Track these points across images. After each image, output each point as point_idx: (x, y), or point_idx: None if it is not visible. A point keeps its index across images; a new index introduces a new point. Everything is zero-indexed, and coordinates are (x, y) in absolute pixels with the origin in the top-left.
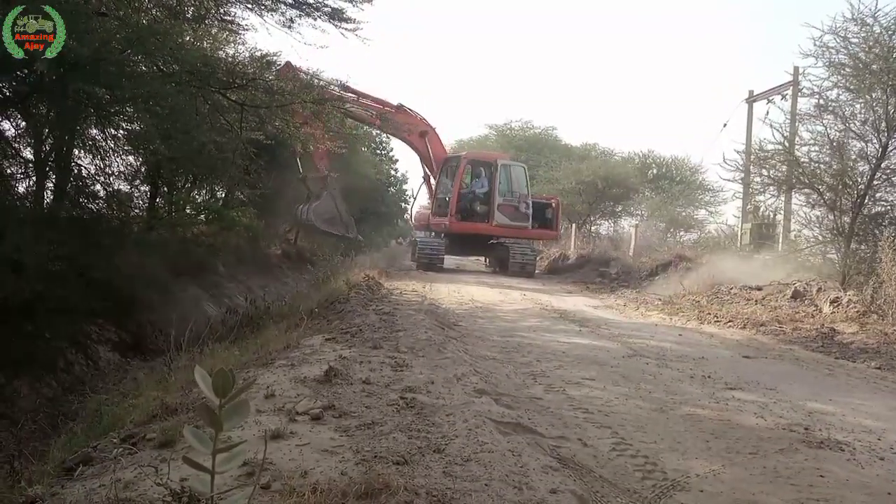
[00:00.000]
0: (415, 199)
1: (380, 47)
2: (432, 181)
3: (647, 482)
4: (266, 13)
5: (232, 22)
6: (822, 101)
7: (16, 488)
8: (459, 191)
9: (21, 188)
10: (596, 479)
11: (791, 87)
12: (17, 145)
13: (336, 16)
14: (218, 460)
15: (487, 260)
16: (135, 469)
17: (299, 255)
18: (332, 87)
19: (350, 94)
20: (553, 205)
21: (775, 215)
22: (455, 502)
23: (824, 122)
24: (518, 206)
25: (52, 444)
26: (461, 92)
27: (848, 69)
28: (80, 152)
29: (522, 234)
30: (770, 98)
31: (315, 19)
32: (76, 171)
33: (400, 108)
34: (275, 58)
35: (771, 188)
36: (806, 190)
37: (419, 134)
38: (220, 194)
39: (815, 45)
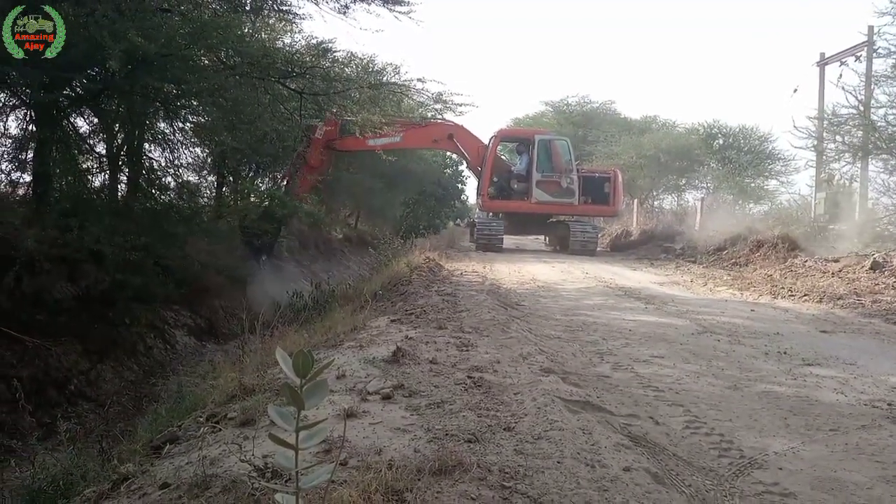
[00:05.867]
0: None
1: (434, 27)
2: (479, 170)
3: (724, 460)
4: (322, 0)
5: (288, 11)
6: None
7: (107, 466)
8: (493, 169)
9: (96, 182)
10: (670, 458)
11: (865, 48)
12: (90, 141)
13: None
14: (300, 437)
15: (547, 239)
16: (219, 446)
17: (360, 238)
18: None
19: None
20: (612, 178)
21: (851, 183)
22: (528, 479)
23: None
24: (560, 182)
25: (138, 424)
26: (518, 70)
27: None
28: (150, 146)
29: (568, 210)
30: (843, 60)
31: (369, 4)
32: (147, 163)
33: (423, 121)
34: (330, 44)
35: (846, 155)
36: (884, 156)
37: (447, 138)
38: (283, 182)
39: (891, 1)
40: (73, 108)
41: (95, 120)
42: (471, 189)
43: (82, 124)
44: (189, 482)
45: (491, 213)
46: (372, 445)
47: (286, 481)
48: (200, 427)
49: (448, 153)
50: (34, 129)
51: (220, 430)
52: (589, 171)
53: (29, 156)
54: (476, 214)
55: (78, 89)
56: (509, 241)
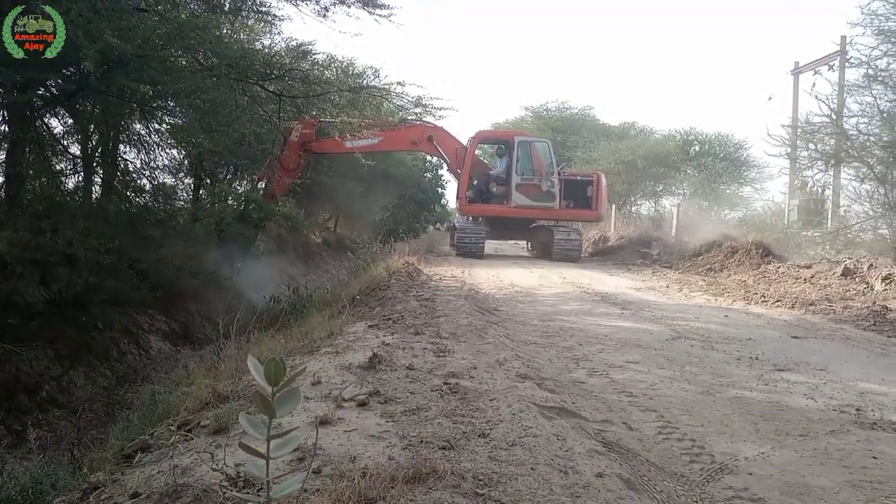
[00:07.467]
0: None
1: (413, 31)
2: (459, 173)
3: (695, 465)
4: (301, 2)
5: (267, 13)
6: (871, 71)
7: (78, 475)
8: (471, 171)
9: (70, 184)
10: (642, 463)
11: (838, 58)
12: (65, 142)
13: (370, 2)
14: (272, 446)
15: (529, 244)
16: (191, 455)
17: (339, 242)
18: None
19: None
20: (594, 182)
21: (824, 191)
22: (501, 486)
23: (874, 92)
24: (541, 185)
25: (110, 431)
26: (498, 75)
27: None
28: (125, 147)
29: (548, 214)
30: (816, 69)
31: (349, 6)
32: (122, 165)
33: (402, 122)
34: (310, 47)
35: (819, 163)
36: (855, 163)
37: (427, 140)
38: (261, 185)
39: (862, 12)
40: (48, 109)
41: (70, 121)
42: (451, 193)
43: (56, 125)
44: (160, 491)
45: (470, 218)
46: (346, 453)
47: (258, 490)
48: (172, 435)
49: (428, 156)
50: (7, 129)
51: (193, 438)
52: (571, 174)
53: (1, 157)
54: (456, 219)
55: (52, 89)
56: (490, 246)
